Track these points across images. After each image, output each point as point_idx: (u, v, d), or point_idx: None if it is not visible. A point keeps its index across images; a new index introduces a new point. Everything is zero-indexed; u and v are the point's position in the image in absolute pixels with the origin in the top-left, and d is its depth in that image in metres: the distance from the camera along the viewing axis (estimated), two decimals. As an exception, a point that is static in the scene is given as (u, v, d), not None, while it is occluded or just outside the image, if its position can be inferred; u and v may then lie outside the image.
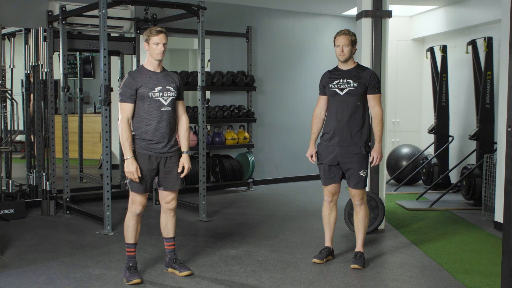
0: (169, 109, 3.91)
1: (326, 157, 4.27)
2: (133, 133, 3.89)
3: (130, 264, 3.95)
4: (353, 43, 4.18)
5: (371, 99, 4.22)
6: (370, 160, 4.26)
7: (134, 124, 3.89)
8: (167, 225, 4.09)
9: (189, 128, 4.14)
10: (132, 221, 3.94)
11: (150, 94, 3.83)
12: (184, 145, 4.02)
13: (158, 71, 3.94)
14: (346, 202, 5.28)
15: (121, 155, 6.96)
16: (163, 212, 4.09)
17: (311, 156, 4.37)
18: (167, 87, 3.90)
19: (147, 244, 4.79)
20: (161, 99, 3.86)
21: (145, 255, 4.50)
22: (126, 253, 3.99)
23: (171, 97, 3.91)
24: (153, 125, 3.86)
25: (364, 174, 4.24)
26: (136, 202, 3.93)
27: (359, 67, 4.27)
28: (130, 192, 3.94)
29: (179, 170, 3.98)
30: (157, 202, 6.55)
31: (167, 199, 4.03)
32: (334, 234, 5.11)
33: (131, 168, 3.80)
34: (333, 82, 4.23)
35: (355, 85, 4.17)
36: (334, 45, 4.21)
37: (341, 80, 4.20)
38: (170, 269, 4.11)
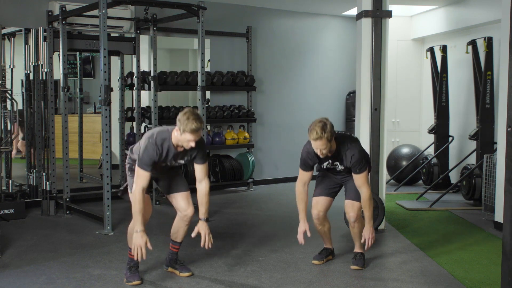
0: (181, 162, 3.87)
1: (326, 179, 4.24)
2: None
3: (132, 264, 3.93)
4: (330, 139, 3.82)
5: (356, 178, 4.00)
6: (362, 241, 4.11)
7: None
8: (179, 231, 4.04)
9: (209, 194, 3.88)
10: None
11: (164, 164, 3.78)
12: (201, 212, 3.84)
13: (182, 149, 3.78)
14: (346, 202, 5.28)
15: (121, 155, 6.97)
16: (178, 217, 4.02)
17: (304, 232, 4.08)
18: (185, 157, 3.82)
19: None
20: (173, 162, 3.81)
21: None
22: (128, 255, 3.95)
23: (185, 161, 3.86)
24: (159, 172, 3.90)
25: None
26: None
27: (339, 149, 3.96)
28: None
29: (193, 235, 3.83)
30: (157, 202, 6.55)
31: (182, 206, 3.95)
32: (334, 235, 5.11)
33: (139, 242, 3.63)
34: (322, 163, 4.09)
35: (342, 168, 4.05)
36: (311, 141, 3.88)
37: (329, 161, 4.04)
38: (170, 269, 4.11)
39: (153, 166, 3.69)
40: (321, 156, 3.90)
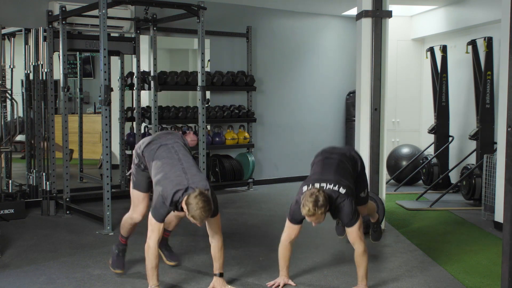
0: None
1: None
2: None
3: (121, 248, 4.06)
4: (325, 212, 3.58)
5: (348, 232, 3.73)
6: None
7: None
8: (171, 223, 4.19)
9: (223, 249, 3.74)
10: (129, 224, 4.00)
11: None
12: (216, 268, 3.75)
13: None
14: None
15: (121, 155, 6.97)
16: (173, 213, 4.02)
17: (279, 285, 3.84)
18: None
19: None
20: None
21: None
22: (119, 238, 4.08)
23: None
24: None
25: (354, 216, 3.70)
26: (137, 212, 3.95)
27: (332, 206, 3.68)
28: (133, 198, 3.95)
29: None
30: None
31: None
32: (333, 234, 5.09)
33: None
34: None
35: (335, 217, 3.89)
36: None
37: None
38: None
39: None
40: (313, 225, 3.70)
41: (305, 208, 3.54)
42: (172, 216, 4.10)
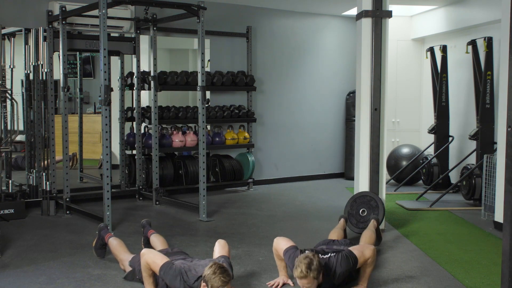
0: None
1: None
2: None
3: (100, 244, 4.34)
4: (317, 277, 3.47)
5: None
6: None
7: None
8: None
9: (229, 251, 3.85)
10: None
11: None
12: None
13: None
14: (346, 202, 5.28)
15: (121, 155, 6.97)
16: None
17: (280, 283, 3.84)
18: None
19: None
20: None
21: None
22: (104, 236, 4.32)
23: None
24: None
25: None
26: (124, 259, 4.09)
27: (326, 273, 3.62)
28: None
29: None
30: (157, 202, 6.55)
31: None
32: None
33: None
34: None
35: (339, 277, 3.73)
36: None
37: None
38: None
39: None
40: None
41: (297, 270, 3.44)
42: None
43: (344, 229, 4.81)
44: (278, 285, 3.85)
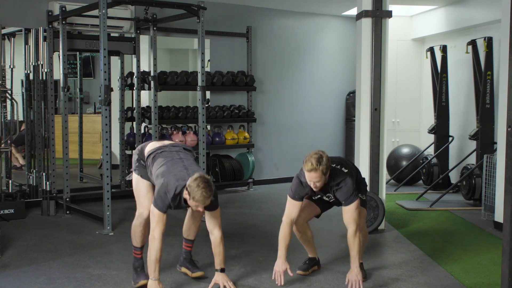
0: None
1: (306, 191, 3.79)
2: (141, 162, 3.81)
3: (137, 265, 3.90)
4: (326, 172, 3.58)
5: (344, 212, 3.69)
6: (346, 283, 3.72)
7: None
8: (190, 228, 4.04)
9: (222, 244, 3.72)
10: (140, 226, 3.86)
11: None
12: (216, 263, 3.74)
13: None
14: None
15: (121, 155, 6.97)
16: (189, 216, 4.01)
17: (284, 272, 3.79)
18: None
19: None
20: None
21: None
22: (133, 254, 3.94)
23: None
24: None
25: (354, 193, 3.71)
26: (143, 206, 3.85)
27: (329, 182, 3.70)
28: (137, 192, 3.90)
29: (210, 287, 3.72)
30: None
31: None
32: (334, 234, 5.11)
33: None
34: (316, 195, 3.88)
35: (334, 199, 3.83)
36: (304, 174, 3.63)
37: (321, 193, 3.81)
38: (183, 269, 4.08)
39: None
40: (314, 190, 3.69)
41: (307, 164, 3.54)
42: (189, 222, 4.04)
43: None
44: (280, 276, 3.81)
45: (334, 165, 3.71)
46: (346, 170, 3.72)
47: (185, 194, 3.47)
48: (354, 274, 3.69)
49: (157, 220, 3.54)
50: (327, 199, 3.87)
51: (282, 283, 3.81)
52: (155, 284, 3.58)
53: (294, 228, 3.95)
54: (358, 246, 3.70)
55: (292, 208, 3.83)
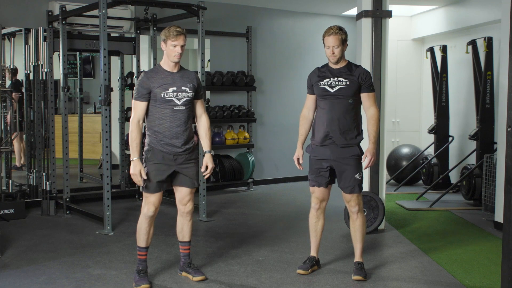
0: (183, 108, 3.79)
1: (317, 160, 4.05)
2: (147, 131, 3.83)
3: (140, 268, 3.87)
4: (344, 41, 3.92)
5: (365, 98, 3.97)
6: (362, 161, 3.98)
7: (148, 123, 3.82)
8: (183, 228, 4.00)
9: (210, 128, 4.02)
10: (145, 224, 3.83)
11: (163, 94, 3.74)
12: (205, 145, 3.94)
13: (175, 71, 3.89)
14: (346, 202, 5.27)
15: (121, 155, 6.97)
16: (179, 216, 3.99)
17: (298, 159, 4.14)
18: (182, 87, 3.82)
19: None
20: (174, 99, 3.77)
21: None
22: (137, 256, 3.90)
23: (186, 98, 3.80)
24: (166, 125, 3.76)
25: (359, 177, 3.97)
26: (148, 202, 3.80)
27: (350, 65, 4.04)
28: (143, 192, 3.86)
29: (203, 169, 3.92)
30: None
31: (183, 201, 3.90)
32: (335, 234, 5.12)
33: (135, 170, 3.71)
34: (322, 81, 4.05)
35: (347, 83, 3.93)
36: (324, 44, 3.98)
37: (332, 78, 3.99)
38: (184, 273, 4.03)
39: (155, 108, 3.79)
40: (332, 59, 3.97)
41: (328, 30, 3.91)
42: (181, 222, 3.98)
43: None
44: (298, 164, 4.16)
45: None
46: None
47: (163, 48, 3.79)
48: (371, 152, 3.95)
49: (134, 106, 3.78)
50: (338, 86, 4.00)
51: (301, 166, 4.16)
52: (135, 163, 3.73)
53: (313, 212, 4.16)
54: (377, 129, 4.01)
55: (308, 101, 4.27)
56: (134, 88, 3.84)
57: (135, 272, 3.89)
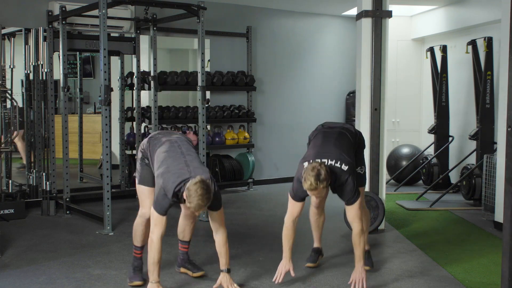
0: None
1: (304, 191, 3.70)
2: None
3: (136, 264, 3.91)
4: (327, 185, 3.55)
5: (348, 210, 3.71)
6: (349, 282, 3.74)
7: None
8: (185, 229, 4.03)
9: (227, 243, 3.68)
10: (141, 225, 3.84)
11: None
12: (222, 263, 3.68)
13: None
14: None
15: (121, 155, 6.97)
16: (184, 217, 3.99)
17: (287, 272, 3.82)
18: None
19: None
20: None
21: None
22: (132, 254, 3.95)
23: None
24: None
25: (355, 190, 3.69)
26: (145, 206, 3.81)
27: (333, 182, 3.66)
28: (140, 194, 3.88)
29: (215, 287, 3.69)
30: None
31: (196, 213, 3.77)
32: (335, 234, 5.11)
33: None
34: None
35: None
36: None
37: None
38: (182, 269, 4.07)
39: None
40: (316, 199, 3.78)
41: (306, 183, 3.48)
42: (183, 223, 4.02)
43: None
44: (281, 275, 3.83)
45: (333, 162, 3.65)
46: (346, 168, 3.65)
47: (184, 195, 3.42)
48: (358, 272, 3.70)
49: (156, 223, 3.51)
50: None
51: (280, 281, 3.81)
52: (154, 287, 3.56)
53: (313, 210, 4.13)
54: (363, 245, 3.71)
55: (294, 208, 3.83)
56: (156, 202, 3.52)
57: (131, 268, 3.93)
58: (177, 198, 3.48)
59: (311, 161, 3.67)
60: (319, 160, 3.63)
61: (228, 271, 3.71)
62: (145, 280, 3.88)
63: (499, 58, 5.68)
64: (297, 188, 3.73)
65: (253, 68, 7.84)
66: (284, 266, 3.84)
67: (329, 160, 3.65)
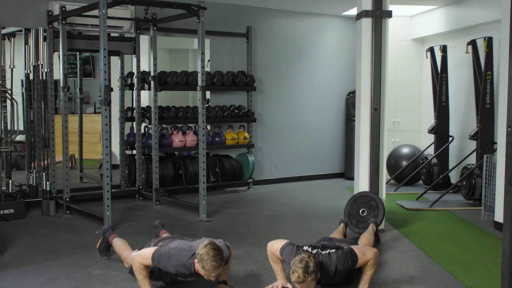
0: None
1: None
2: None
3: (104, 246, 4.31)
4: (315, 278, 3.43)
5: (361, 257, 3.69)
6: None
7: None
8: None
9: (230, 259, 3.71)
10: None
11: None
12: (221, 275, 3.70)
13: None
14: (346, 202, 5.28)
15: (121, 155, 6.97)
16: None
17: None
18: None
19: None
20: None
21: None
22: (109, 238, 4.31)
23: None
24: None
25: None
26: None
27: (326, 271, 3.59)
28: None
29: None
30: (157, 202, 6.55)
31: None
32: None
33: None
34: None
35: None
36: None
37: None
38: None
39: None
40: None
41: (294, 275, 3.38)
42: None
43: (344, 233, 4.73)
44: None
45: (323, 252, 3.63)
46: (333, 250, 3.66)
47: (196, 265, 3.36)
48: None
49: (139, 271, 3.55)
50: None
51: None
52: None
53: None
54: (371, 275, 3.72)
55: (276, 246, 3.79)
56: (156, 255, 3.52)
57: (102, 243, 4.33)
58: (193, 270, 3.42)
59: (303, 247, 3.67)
60: (308, 249, 3.62)
61: (225, 283, 3.73)
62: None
63: (499, 58, 5.69)
64: (285, 254, 3.71)
65: (253, 68, 7.84)
66: (281, 283, 3.81)
67: (319, 249, 3.65)
